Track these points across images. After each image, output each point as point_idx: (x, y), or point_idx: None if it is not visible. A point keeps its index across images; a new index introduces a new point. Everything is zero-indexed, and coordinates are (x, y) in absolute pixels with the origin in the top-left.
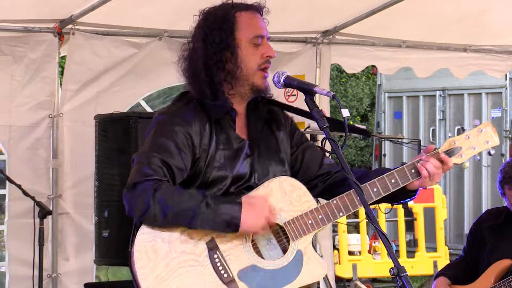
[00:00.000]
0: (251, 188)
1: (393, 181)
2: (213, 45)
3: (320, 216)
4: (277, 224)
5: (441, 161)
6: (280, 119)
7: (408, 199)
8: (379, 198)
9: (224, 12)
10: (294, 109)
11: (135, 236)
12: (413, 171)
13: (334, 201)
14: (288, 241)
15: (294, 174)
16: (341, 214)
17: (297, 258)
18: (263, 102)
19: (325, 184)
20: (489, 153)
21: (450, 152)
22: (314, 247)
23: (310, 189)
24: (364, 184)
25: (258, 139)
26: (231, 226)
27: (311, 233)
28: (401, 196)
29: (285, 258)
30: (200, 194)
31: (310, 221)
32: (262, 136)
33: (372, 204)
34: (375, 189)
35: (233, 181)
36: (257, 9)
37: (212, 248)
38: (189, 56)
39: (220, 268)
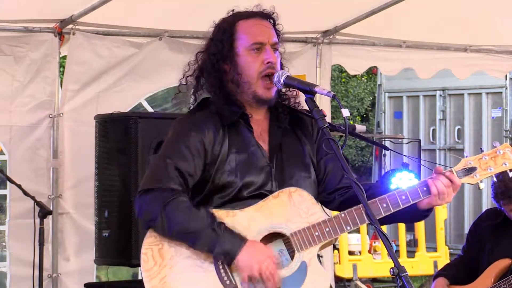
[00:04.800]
0: (264, 195)
1: (403, 197)
2: (212, 56)
3: (327, 229)
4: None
5: (450, 180)
6: (306, 126)
7: (422, 219)
8: (388, 214)
9: (226, 23)
10: (308, 114)
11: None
12: (424, 188)
13: (342, 215)
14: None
15: (317, 183)
16: (348, 227)
17: (301, 269)
18: (285, 111)
19: (342, 198)
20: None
21: (464, 172)
22: (318, 256)
23: (329, 202)
24: (374, 199)
25: (280, 146)
26: (227, 257)
27: (317, 245)
28: (414, 215)
29: (289, 269)
30: (209, 218)
31: (316, 233)
32: (285, 142)
33: (385, 223)
34: (384, 205)
35: (243, 187)
36: (262, 16)
37: None
38: (198, 66)
39: (223, 274)
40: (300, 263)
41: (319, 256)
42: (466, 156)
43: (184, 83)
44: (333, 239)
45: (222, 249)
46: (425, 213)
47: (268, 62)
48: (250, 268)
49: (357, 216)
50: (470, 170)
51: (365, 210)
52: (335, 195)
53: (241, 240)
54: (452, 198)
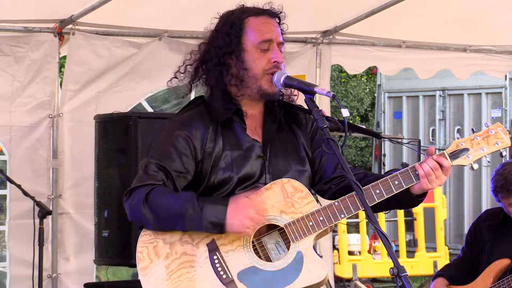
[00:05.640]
0: (257, 188)
1: (396, 182)
2: (218, 49)
3: (321, 218)
4: (279, 226)
5: (439, 162)
6: (300, 120)
7: (417, 204)
8: (382, 200)
9: (234, 17)
10: (302, 109)
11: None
12: (416, 172)
13: (336, 203)
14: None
15: (313, 175)
16: (342, 215)
17: (297, 260)
18: (280, 105)
19: (338, 187)
20: (500, 155)
21: (456, 154)
22: (314, 247)
23: (324, 191)
24: (367, 186)
25: (274, 140)
26: (217, 228)
27: (312, 234)
28: (408, 200)
29: (285, 260)
30: (187, 197)
31: (311, 223)
32: (280, 137)
33: (380, 210)
34: (377, 191)
35: (239, 182)
36: (271, 14)
37: (213, 249)
38: (199, 57)
39: (220, 269)
40: (296, 253)
41: (318, 255)
42: (458, 138)
43: (183, 72)
44: (328, 228)
45: (208, 223)
46: (419, 198)
47: (274, 61)
48: (242, 228)
49: (350, 204)
50: (462, 152)
51: (366, 211)
52: (331, 184)
53: (222, 206)
54: (444, 181)
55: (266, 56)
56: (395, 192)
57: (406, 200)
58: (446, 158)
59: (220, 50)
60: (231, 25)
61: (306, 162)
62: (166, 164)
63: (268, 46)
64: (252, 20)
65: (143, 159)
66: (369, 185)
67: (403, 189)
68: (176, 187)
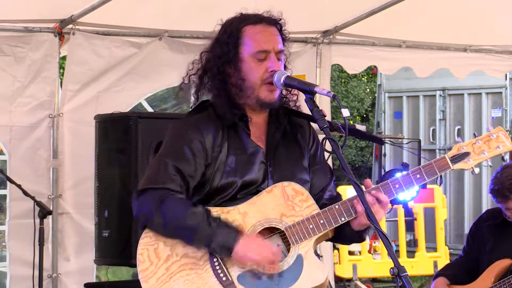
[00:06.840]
0: (259, 192)
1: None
2: (217, 59)
3: (321, 221)
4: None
5: (376, 197)
6: (304, 133)
7: (360, 240)
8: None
9: (233, 26)
10: (308, 117)
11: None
12: (348, 209)
13: (336, 206)
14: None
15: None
16: (342, 219)
17: (298, 262)
18: (284, 112)
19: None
20: (502, 158)
21: (457, 158)
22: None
23: None
24: (366, 190)
25: (278, 147)
26: (224, 251)
27: (312, 237)
28: (350, 235)
29: (285, 262)
30: (203, 214)
31: (311, 226)
32: (283, 144)
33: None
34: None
35: (242, 187)
36: (270, 22)
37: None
38: (202, 66)
39: (220, 271)
40: (297, 256)
41: (318, 256)
42: (458, 141)
43: (187, 82)
44: (328, 231)
45: (218, 243)
46: (360, 234)
47: (271, 71)
48: (249, 259)
49: (351, 206)
50: (463, 156)
51: (366, 210)
52: None
53: (237, 232)
54: (383, 215)
55: (263, 65)
56: (334, 226)
57: (348, 235)
58: (383, 193)
59: (219, 59)
60: (229, 35)
61: (308, 173)
62: (183, 168)
63: (265, 56)
64: (249, 29)
65: (158, 154)
66: (369, 189)
67: (344, 222)
68: (190, 191)
